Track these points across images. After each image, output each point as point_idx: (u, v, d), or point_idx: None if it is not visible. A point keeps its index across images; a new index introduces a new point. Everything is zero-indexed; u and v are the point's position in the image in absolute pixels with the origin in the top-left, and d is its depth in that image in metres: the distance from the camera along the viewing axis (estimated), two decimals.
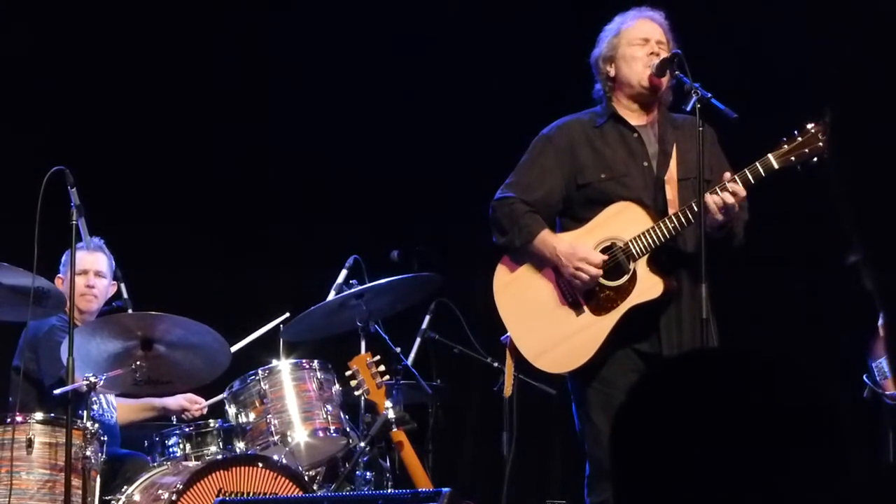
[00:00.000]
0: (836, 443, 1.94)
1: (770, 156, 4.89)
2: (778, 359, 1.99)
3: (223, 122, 8.32)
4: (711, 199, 4.88)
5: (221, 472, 5.60)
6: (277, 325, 6.54)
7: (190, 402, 6.49)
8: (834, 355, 7.08)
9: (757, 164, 4.90)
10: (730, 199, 4.87)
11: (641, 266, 5.03)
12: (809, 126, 4.85)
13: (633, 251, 5.02)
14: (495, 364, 6.91)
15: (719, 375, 2.00)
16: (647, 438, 1.97)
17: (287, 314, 6.51)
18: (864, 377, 6.66)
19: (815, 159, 4.82)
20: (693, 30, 5.44)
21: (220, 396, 6.32)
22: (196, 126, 8.26)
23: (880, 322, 6.45)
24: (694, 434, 1.94)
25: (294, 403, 6.05)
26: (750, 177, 4.90)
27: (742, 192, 4.89)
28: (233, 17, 8.34)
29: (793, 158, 4.86)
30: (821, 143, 4.79)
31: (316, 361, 6.21)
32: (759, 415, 1.93)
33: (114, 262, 6.54)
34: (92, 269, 6.46)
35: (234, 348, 6.10)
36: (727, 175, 4.92)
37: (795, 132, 4.87)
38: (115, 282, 6.47)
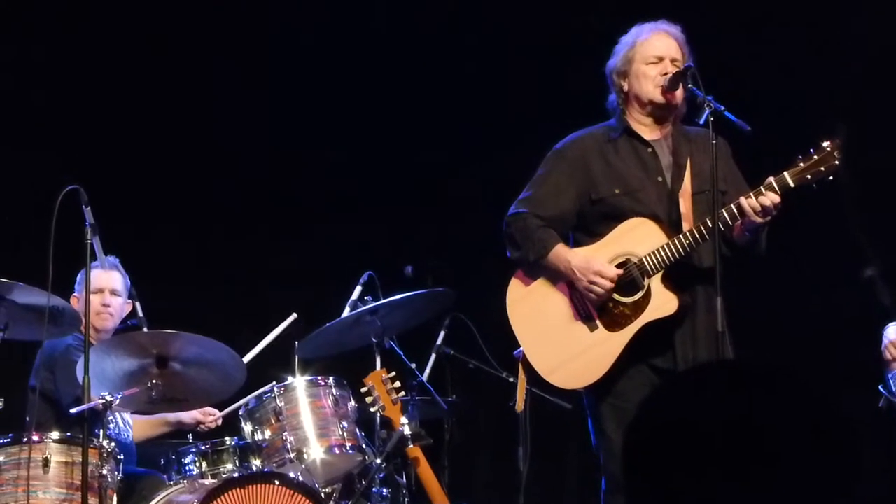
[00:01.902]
0: (849, 454, 1.94)
1: (786, 173, 4.88)
2: (790, 371, 1.98)
3: (236, 140, 8.34)
4: (748, 203, 4.88)
5: (238, 489, 5.60)
6: (291, 337, 6.53)
7: (204, 415, 6.49)
8: (850, 366, 7.06)
9: (773, 181, 4.89)
10: (766, 202, 4.86)
11: (656, 282, 5.02)
12: (825, 144, 4.84)
13: (648, 267, 5.02)
14: (511, 379, 6.89)
15: (732, 388, 2.00)
16: (661, 452, 1.97)
17: (294, 315, 6.51)
18: (880, 387, 6.63)
19: (831, 177, 4.81)
20: (708, 41, 5.43)
21: (234, 406, 6.31)
22: (209, 143, 8.28)
23: (885, 342, 6.43)
24: (707, 447, 1.94)
25: (310, 420, 6.05)
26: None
27: (777, 198, 4.88)
28: (243, 35, 8.35)
29: (808, 176, 4.85)
30: (836, 161, 4.79)
31: (331, 378, 6.21)
32: (772, 427, 1.93)
33: (129, 281, 6.55)
34: (107, 288, 6.48)
35: (246, 358, 6.10)
36: (770, 178, 4.90)
37: (811, 150, 4.86)
38: (130, 300, 6.49)
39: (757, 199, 4.89)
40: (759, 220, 4.91)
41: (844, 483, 1.93)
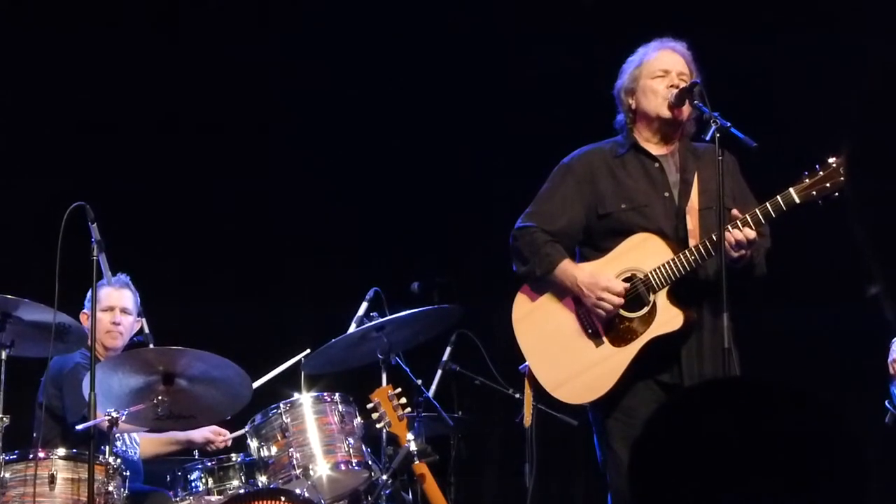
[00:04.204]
0: (857, 473, 1.93)
1: (791, 190, 4.87)
2: (797, 389, 1.98)
3: (243, 158, 8.34)
4: (726, 235, 4.87)
5: None
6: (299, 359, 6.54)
7: (215, 434, 6.48)
8: (856, 381, 7.05)
9: (778, 197, 4.89)
10: (740, 237, 4.86)
11: (661, 298, 5.01)
12: (831, 160, 4.84)
13: (654, 283, 5.01)
14: (517, 395, 6.88)
15: (736, 405, 1.99)
16: (667, 469, 1.96)
17: (308, 350, 6.50)
18: (886, 403, 6.62)
19: (837, 193, 4.81)
20: (714, 59, 5.43)
21: (244, 430, 6.31)
22: (216, 161, 8.29)
23: (891, 357, 6.43)
24: (714, 463, 1.93)
25: (316, 437, 6.04)
26: (771, 210, 4.89)
27: (752, 234, 4.88)
28: (246, 57, 8.36)
29: (814, 193, 4.84)
30: (842, 178, 4.78)
31: (337, 394, 6.21)
32: (779, 444, 1.92)
33: (139, 299, 6.55)
34: (118, 306, 6.48)
35: (255, 385, 6.10)
36: (734, 212, 4.92)
37: (817, 166, 4.85)
38: (139, 318, 6.49)
39: (732, 231, 4.88)
40: (732, 254, 4.90)
41: (852, 501, 1.92)
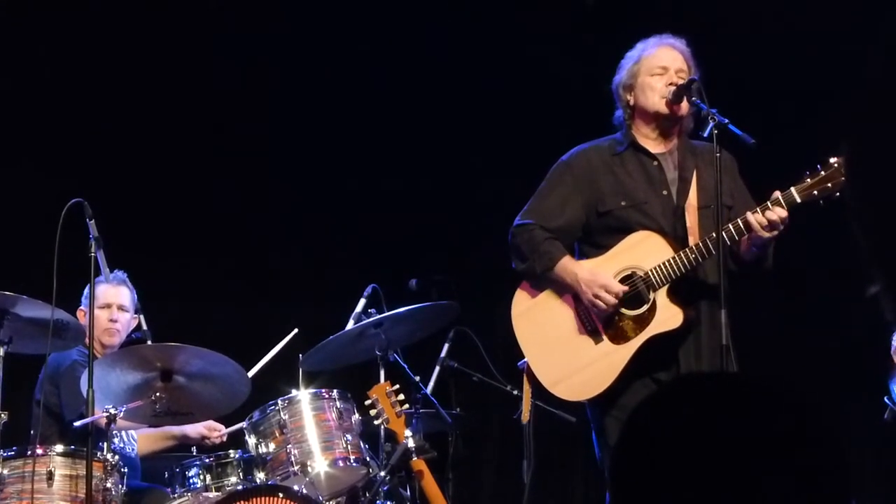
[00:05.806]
0: (840, 473, 1.93)
1: (793, 189, 4.87)
2: (775, 385, 1.98)
3: (240, 153, 8.34)
4: (755, 219, 4.87)
5: (242, 502, 5.59)
6: (295, 350, 6.53)
7: (209, 430, 6.48)
8: (855, 378, 7.06)
9: (779, 195, 4.89)
10: (773, 217, 4.86)
11: (661, 296, 5.01)
12: (832, 160, 4.84)
13: (654, 281, 5.01)
14: (515, 392, 6.90)
15: (713, 402, 1.99)
16: (650, 469, 1.96)
17: (296, 330, 6.51)
18: (885, 399, 6.63)
19: (838, 193, 4.81)
20: (713, 55, 5.43)
21: (239, 425, 6.31)
22: (213, 157, 8.28)
23: (893, 348, 6.44)
24: (697, 463, 1.93)
25: (314, 433, 6.04)
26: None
27: (784, 213, 4.88)
28: (244, 42, 8.36)
29: (815, 192, 4.84)
30: (843, 178, 4.79)
31: (335, 391, 6.20)
32: (758, 442, 1.92)
33: (136, 295, 6.54)
34: (115, 304, 6.47)
35: (250, 373, 6.10)
36: (777, 193, 4.90)
37: (818, 166, 4.86)
38: (136, 315, 6.48)
39: (763, 214, 4.88)
40: (765, 234, 4.91)
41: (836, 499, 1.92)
